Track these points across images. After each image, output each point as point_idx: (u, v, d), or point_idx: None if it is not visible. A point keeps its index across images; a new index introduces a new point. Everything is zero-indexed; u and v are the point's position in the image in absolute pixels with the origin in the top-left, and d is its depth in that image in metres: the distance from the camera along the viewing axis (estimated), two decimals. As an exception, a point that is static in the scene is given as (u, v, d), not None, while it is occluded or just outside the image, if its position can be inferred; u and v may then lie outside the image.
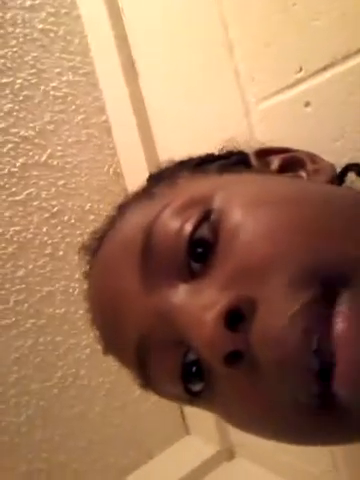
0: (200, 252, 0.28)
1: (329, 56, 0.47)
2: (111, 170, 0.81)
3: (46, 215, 0.74)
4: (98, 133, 0.80)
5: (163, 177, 0.39)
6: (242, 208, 0.28)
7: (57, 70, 0.77)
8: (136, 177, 0.80)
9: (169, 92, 0.72)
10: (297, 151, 0.39)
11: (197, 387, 0.30)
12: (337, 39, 0.46)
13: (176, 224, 0.29)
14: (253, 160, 0.38)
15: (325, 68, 0.48)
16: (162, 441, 0.82)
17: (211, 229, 0.28)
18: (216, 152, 0.42)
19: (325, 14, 0.46)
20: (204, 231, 0.28)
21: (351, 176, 0.40)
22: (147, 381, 0.34)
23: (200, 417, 0.78)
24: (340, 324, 0.22)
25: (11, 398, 0.69)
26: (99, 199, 0.79)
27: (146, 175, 0.78)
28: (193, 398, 0.31)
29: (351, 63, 0.45)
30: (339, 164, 0.47)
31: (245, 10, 0.54)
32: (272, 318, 0.23)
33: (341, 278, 0.23)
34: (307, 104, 0.51)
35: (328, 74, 0.48)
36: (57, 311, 0.74)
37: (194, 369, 0.29)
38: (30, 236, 0.72)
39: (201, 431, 0.80)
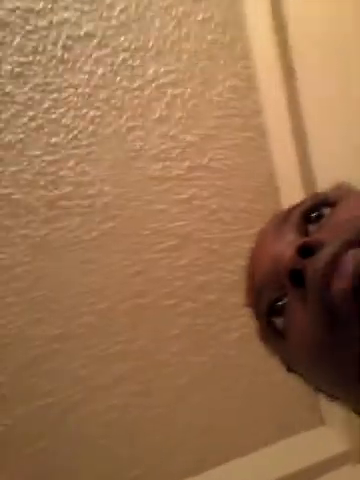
0: (315, 217, 0.37)
1: None
2: (265, 171, 0.86)
3: (205, 213, 0.83)
4: (255, 136, 0.85)
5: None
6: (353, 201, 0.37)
7: (221, 77, 0.84)
8: (289, 179, 0.84)
9: (325, 97, 0.72)
10: None
11: (278, 321, 0.36)
12: None
13: (310, 201, 0.39)
14: None
15: None
16: (296, 425, 0.89)
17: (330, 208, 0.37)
18: None
19: None
20: (325, 210, 0.37)
21: None
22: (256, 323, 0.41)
23: (336, 410, 0.82)
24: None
25: (173, 365, 0.83)
26: (253, 199, 0.85)
27: (298, 177, 0.82)
28: (272, 332, 0.37)
29: None
30: None
31: None
32: (325, 251, 0.31)
33: None
34: None
35: None
36: (211, 297, 0.84)
37: (279, 304, 0.36)
38: (191, 231, 0.83)
39: (335, 425, 0.84)
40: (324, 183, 0.78)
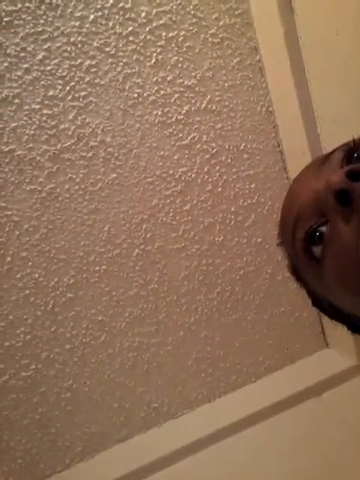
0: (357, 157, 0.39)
1: None
2: (263, 109, 0.87)
3: (207, 156, 0.84)
4: (252, 74, 0.85)
5: None
6: None
7: (215, 15, 0.82)
8: (287, 115, 0.85)
9: (325, 31, 0.72)
10: None
11: (317, 250, 0.39)
12: None
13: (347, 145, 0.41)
14: None
15: None
16: (302, 350, 0.96)
17: None
18: None
19: None
20: None
21: None
22: (294, 255, 0.43)
23: (339, 333, 0.89)
24: None
25: (183, 305, 0.88)
26: (253, 138, 0.86)
27: (297, 113, 0.82)
28: (312, 261, 0.40)
29: None
30: None
31: None
32: None
33: None
34: None
35: None
36: (216, 239, 0.88)
37: (318, 234, 0.38)
38: (194, 175, 0.84)
39: (339, 345, 0.91)
40: (324, 118, 0.80)
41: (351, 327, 0.44)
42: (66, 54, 0.77)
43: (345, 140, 0.49)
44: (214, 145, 0.85)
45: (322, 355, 0.95)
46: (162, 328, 0.90)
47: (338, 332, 0.87)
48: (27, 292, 0.84)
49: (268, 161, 0.89)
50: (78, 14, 0.76)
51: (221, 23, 0.82)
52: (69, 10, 0.76)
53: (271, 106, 0.87)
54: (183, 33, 0.80)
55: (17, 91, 0.77)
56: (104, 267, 0.86)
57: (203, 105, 0.83)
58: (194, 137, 0.83)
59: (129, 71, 0.79)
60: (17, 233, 0.82)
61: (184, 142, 0.83)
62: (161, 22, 0.79)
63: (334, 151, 0.41)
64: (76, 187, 0.82)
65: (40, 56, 0.76)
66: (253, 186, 0.89)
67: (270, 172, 0.90)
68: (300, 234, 0.40)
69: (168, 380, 0.94)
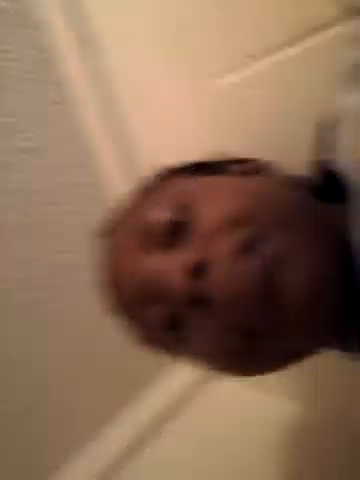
0: (178, 231, 0.38)
1: (271, 45, 0.53)
2: (80, 144, 0.86)
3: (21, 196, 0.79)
4: (67, 107, 0.83)
5: (160, 178, 0.50)
6: (209, 199, 0.39)
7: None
8: (104, 147, 0.85)
9: (132, 62, 0.75)
10: (258, 160, 0.49)
11: (176, 333, 0.39)
12: (277, 31, 0.52)
13: (164, 212, 0.40)
14: (227, 167, 0.48)
15: (268, 55, 0.54)
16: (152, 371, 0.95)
17: (188, 215, 0.39)
18: (204, 160, 0.52)
19: (264, 8, 0.52)
20: (182, 217, 0.39)
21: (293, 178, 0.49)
22: (139, 334, 0.44)
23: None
24: (255, 266, 0.33)
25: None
26: (71, 173, 0.85)
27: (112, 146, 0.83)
28: (172, 344, 0.41)
29: (286, 54, 0.52)
30: (283, 142, 0.56)
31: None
32: (220, 270, 0.34)
33: (260, 240, 0.34)
34: (254, 85, 0.58)
35: (270, 60, 0.54)
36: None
37: (172, 320, 0.39)
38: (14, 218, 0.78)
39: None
40: (141, 149, 0.82)
41: None
42: None
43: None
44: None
45: (171, 374, 0.96)
46: None
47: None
48: None
49: (89, 196, 0.87)
50: None
51: (24, 55, 0.79)
52: None
53: (87, 139, 0.87)
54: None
55: None
56: None
57: (19, 144, 0.78)
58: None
59: None
60: None
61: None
62: None
63: (152, 217, 0.40)
64: None
65: None
66: (78, 221, 0.86)
67: (92, 206, 0.87)
68: (154, 321, 0.40)
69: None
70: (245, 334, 0.34)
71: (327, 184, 0.46)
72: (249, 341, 0.35)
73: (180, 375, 0.91)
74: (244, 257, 0.33)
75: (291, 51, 0.51)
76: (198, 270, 0.34)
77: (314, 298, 0.33)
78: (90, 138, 0.86)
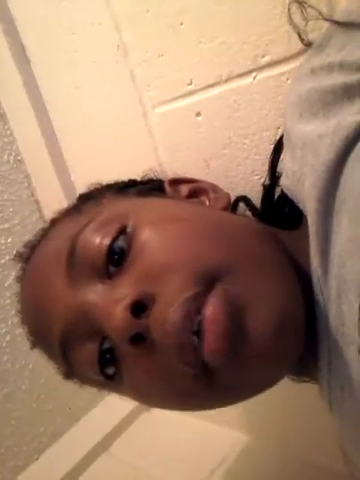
0: (116, 258, 0.35)
1: (215, 75, 0.53)
2: (11, 158, 0.81)
3: None
4: (-6, 122, 0.78)
5: (91, 196, 0.45)
6: (151, 225, 0.35)
7: None
8: (37, 163, 0.81)
9: (66, 82, 0.72)
10: (202, 182, 0.47)
11: (110, 370, 0.36)
12: (220, 62, 0.52)
13: (98, 236, 0.35)
14: (167, 187, 0.45)
15: (212, 85, 0.54)
16: (86, 404, 0.91)
17: (126, 241, 0.35)
18: (138, 178, 0.49)
19: (209, 39, 0.52)
20: (120, 242, 0.35)
21: (242, 206, 0.49)
22: (69, 369, 0.40)
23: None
24: (208, 309, 0.30)
25: None
26: (3, 189, 0.79)
27: (48, 161, 0.80)
28: (108, 381, 0.37)
29: (233, 85, 0.52)
30: (229, 170, 0.56)
31: (138, 17, 0.57)
32: (164, 308, 0.31)
33: (216, 277, 0.31)
34: (198, 114, 0.57)
35: (215, 91, 0.54)
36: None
37: (108, 356, 0.35)
38: None
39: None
40: (75, 164, 0.79)
41: None
42: None
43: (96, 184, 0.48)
44: None
45: (106, 404, 0.92)
46: None
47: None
48: None
49: (23, 212, 0.83)
50: None
51: None
52: None
53: (19, 154, 0.82)
54: None
55: None
56: None
57: None
58: None
59: None
60: None
61: None
62: None
63: (79, 249, 0.36)
64: None
65: None
66: (10, 240, 0.80)
67: (27, 223, 0.83)
68: (85, 358, 0.36)
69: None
70: (196, 371, 0.31)
71: (281, 209, 0.46)
72: (202, 378, 0.32)
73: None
74: (193, 296, 0.30)
75: (239, 81, 0.51)
76: (140, 308, 0.31)
77: (278, 339, 0.30)
78: (25, 155, 0.82)
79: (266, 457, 0.69)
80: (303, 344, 0.33)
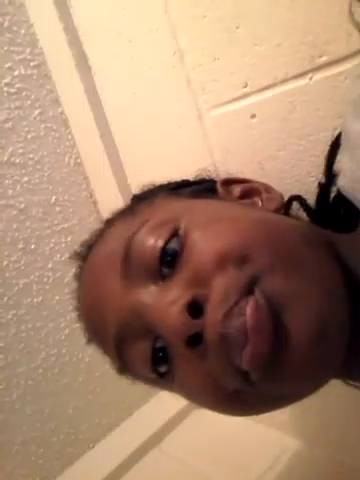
0: (169, 260, 0.35)
1: (270, 77, 0.53)
2: (72, 161, 0.85)
3: (14, 212, 0.77)
4: (56, 126, 0.83)
5: (144, 197, 0.46)
6: (200, 227, 0.36)
7: (7, 65, 0.78)
8: (96, 166, 0.85)
9: (123, 88, 0.75)
10: (255, 182, 0.46)
11: (163, 369, 0.37)
12: (276, 64, 0.52)
13: (152, 238, 0.36)
14: (219, 188, 0.45)
15: (267, 87, 0.54)
16: (139, 398, 0.93)
17: (178, 242, 0.36)
18: (191, 179, 0.50)
19: (264, 41, 0.52)
20: (173, 244, 0.36)
21: (295, 205, 0.49)
22: (123, 366, 0.42)
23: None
24: (249, 316, 0.30)
25: (2, 381, 0.76)
26: (63, 190, 0.83)
27: (106, 164, 0.83)
28: (159, 378, 0.38)
29: (289, 86, 0.52)
30: (283, 171, 0.55)
31: (194, 23, 0.58)
32: (216, 311, 0.31)
33: (258, 278, 0.32)
34: (253, 116, 0.57)
35: (270, 93, 0.54)
36: (35, 300, 0.80)
37: (161, 354, 0.36)
38: (1, 234, 0.76)
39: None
40: (132, 168, 0.82)
41: None
42: None
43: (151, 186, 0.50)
44: (22, 199, 0.78)
45: (158, 400, 0.94)
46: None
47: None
48: None
49: (82, 212, 0.87)
50: None
51: (16, 73, 0.78)
52: None
53: (79, 157, 0.86)
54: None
55: None
56: None
57: (5, 158, 0.76)
58: (-1, 193, 0.76)
59: None
60: None
61: (-14, 198, 0.75)
62: None
63: (133, 248, 0.37)
64: None
65: None
66: (69, 239, 0.85)
67: (85, 223, 0.87)
68: (139, 355, 0.38)
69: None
70: (240, 376, 0.32)
71: (336, 210, 0.46)
72: (244, 383, 0.32)
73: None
74: (245, 298, 0.31)
75: (294, 82, 0.51)
76: (195, 308, 0.32)
77: (320, 343, 0.31)
78: (84, 158, 0.86)
79: (317, 463, 0.68)
80: (346, 347, 0.33)
